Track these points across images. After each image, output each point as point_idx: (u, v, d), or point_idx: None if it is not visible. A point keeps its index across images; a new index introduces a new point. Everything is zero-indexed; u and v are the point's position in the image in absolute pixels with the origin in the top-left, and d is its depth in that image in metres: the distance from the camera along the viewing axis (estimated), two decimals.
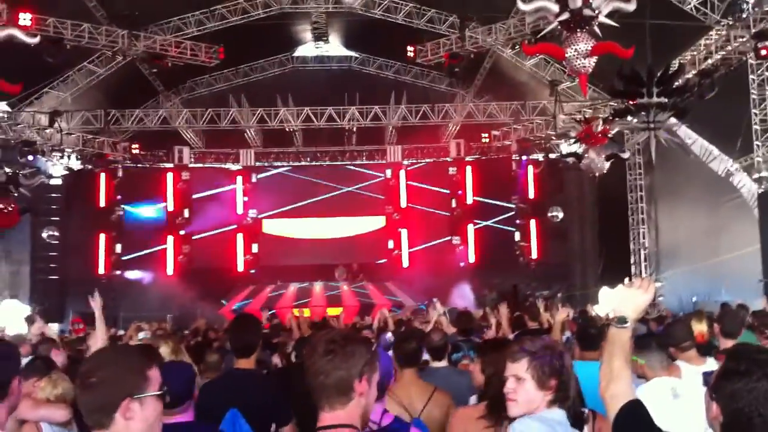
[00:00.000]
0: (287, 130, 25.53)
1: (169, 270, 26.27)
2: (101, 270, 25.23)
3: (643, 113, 14.00)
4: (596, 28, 13.23)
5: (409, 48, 23.66)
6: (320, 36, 26.13)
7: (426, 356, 7.03)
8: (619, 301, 2.87)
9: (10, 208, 18.76)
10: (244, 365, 5.00)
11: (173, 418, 3.58)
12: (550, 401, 2.92)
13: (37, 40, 16.50)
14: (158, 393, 2.49)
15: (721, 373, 2.57)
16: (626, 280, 2.94)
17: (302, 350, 6.71)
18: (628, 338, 2.81)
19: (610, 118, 19.19)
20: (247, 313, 11.66)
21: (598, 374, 4.84)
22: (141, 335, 11.31)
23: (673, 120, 14.67)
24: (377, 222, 28.42)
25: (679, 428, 3.33)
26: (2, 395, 2.91)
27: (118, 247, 25.62)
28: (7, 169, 19.36)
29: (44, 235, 23.63)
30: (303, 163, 27.81)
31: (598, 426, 4.64)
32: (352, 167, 28.07)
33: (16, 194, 19.14)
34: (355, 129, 25.54)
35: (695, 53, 19.44)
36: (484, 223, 26.98)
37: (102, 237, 25.38)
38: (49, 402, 5.48)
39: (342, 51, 28.20)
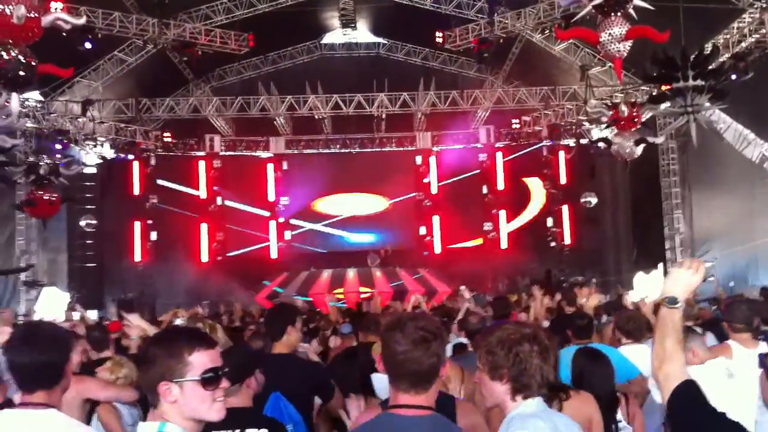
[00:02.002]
0: (316, 117, 25.60)
1: (204, 257, 26.50)
2: (137, 257, 25.55)
3: (679, 98, 13.83)
4: (632, 11, 13.09)
5: (438, 34, 23.50)
6: (348, 23, 26.12)
7: (464, 340, 7.10)
8: (670, 282, 2.87)
9: (52, 198, 19.02)
10: (280, 349, 5.11)
11: (229, 404, 3.59)
12: (512, 391, 2.84)
13: (83, 21, 16.60)
14: (197, 378, 2.45)
15: None
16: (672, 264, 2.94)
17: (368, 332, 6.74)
18: (680, 318, 2.81)
19: (646, 103, 19.00)
20: (283, 302, 11.80)
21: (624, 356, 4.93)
22: (178, 321, 11.47)
23: (707, 104, 14.51)
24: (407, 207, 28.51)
25: (734, 407, 3.34)
26: (58, 380, 3.05)
27: (154, 235, 25.89)
28: (48, 160, 19.63)
29: (82, 223, 23.89)
30: (333, 150, 27.84)
31: (632, 410, 4.69)
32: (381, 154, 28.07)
33: (57, 184, 19.41)
34: (384, 116, 25.52)
35: (728, 36, 19.21)
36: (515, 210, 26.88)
37: (137, 225, 25.66)
38: (117, 383, 5.67)
39: (370, 38, 28.19)
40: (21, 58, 13.21)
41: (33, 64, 13.45)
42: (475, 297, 11.47)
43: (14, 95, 17.05)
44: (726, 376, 4.58)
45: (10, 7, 11.92)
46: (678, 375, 2.69)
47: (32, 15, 12.43)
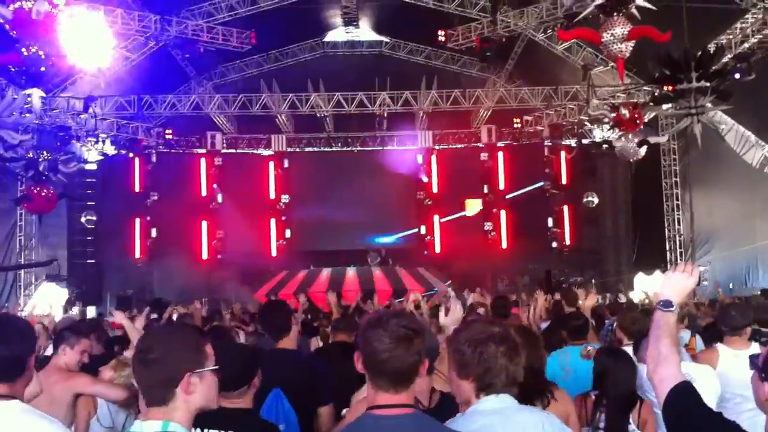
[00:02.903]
0: (318, 115, 25.56)
1: (204, 255, 26.50)
2: (137, 254, 25.55)
3: (681, 99, 13.81)
4: (634, 11, 13.07)
5: (440, 32, 23.49)
6: (350, 21, 26.05)
7: None
8: (665, 285, 2.92)
9: (50, 194, 19.01)
10: (284, 345, 5.03)
11: (233, 404, 3.59)
12: (477, 390, 2.88)
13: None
14: (216, 368, 2.57)
15: None
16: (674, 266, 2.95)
17: (346, 329, 6.73)
18: (674, 321, 2.86)
19: (650, 104, 18.93)
20: (274, 298, 11.82)
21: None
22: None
23: (709, 105, 14.50)
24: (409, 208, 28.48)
25: None
26: (20, 372, 3.05)
27: (153, 232, 25.88)
28: (47, 156, 19.59)
29: (83, 219, 23.90)
30: (334, 149, 27.81)
31: (644, 415, 4.65)
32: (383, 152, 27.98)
33: (54, 179, 19.39)
34: (385, 114, 25.47)
35: (731, 37, 19.16)
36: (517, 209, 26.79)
37: (137, 221, 25.65)
38: (114, 381, 5.65)
39: (372, 36, 28.09)
40: (41, 54, 13.23)
41: (53, 60, 13.46)
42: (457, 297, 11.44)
43: (35, 91, 17.11)
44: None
45: (31, 2, 11.97)
46: (673, 377, 2.69)
47: (51, 11, 12.47)
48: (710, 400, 4.24)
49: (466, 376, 2.89)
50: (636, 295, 15.90)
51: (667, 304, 2.85)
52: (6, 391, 2.98)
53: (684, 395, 2.65)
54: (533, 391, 3.96)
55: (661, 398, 2.70)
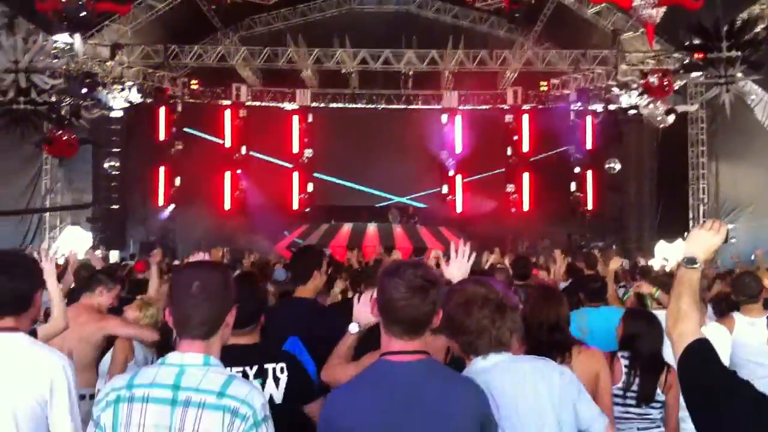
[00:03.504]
0: (343, 71, 25.45)
1: (226, 205, 26.68)
2: (160, 202, 25.79)
3: (711, 67, 13.66)
4: None
5: None
6: None
7: None
8: (690, 242, 2.90)
9: (71, 138, 19.11)
10: (304, 294, 5.03)
11: (246, 340, 3.58)
12: (464, 352, 3.00)
13: None
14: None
15: None
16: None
17: (367, 281, 6.81)
18: (697, 279, 2.83)
19: (679, 71, 18.69)
20: (309, 245, 11.77)
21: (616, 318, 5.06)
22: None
23: (739, 74, 14.32)
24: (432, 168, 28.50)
25: None
26: (26, 306, 3.19)
27: (177, 180, 26.07)
28: (70, 101, 19.65)
29: (106, 165, 24.08)
30: (358, 105, 27.72)
31: (670, 380, 4.70)
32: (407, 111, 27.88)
33: (77, 125, 19.46)
34: (411, 73, 25.33)
35: (764, 7, 18.81)
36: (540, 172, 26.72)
37: (162, 170, 25.84)
38: (141, 322, 5.80)
39: None
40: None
41: (92, 3, 13.52)
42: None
43: (77, 36, 17.17)
44: None
45: None
46: (692, 333, 2.69)
47: None
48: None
49: (453, 337, 3.00)
50: (656, 263, 15.88)
51: (690, 261, 2.82)
52: (12, 324, 3.13)
53: (700, 351, 2.65)
54: (549, 346, 4.03)
55: (678, 353, 2.70)
